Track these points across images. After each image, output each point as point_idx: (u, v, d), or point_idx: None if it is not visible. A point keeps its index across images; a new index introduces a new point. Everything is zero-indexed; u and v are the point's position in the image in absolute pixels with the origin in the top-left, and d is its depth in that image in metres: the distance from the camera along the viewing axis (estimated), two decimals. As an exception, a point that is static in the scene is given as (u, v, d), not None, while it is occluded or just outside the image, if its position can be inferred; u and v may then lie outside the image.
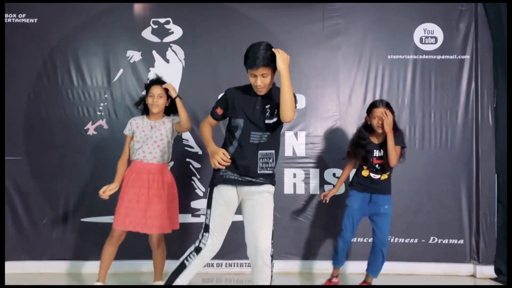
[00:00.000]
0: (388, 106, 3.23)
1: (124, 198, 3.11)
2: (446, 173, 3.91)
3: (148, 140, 3.17)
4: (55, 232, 3.85)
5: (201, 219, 3.83)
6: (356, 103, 3.94)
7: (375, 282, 3.43)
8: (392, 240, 3.88)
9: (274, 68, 2.53)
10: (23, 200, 3.84)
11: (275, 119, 2.59)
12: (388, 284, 3.59)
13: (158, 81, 3.26)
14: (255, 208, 2.56)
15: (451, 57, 3.96)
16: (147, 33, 3.92)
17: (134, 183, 3.12)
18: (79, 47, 3.89)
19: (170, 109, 3.27)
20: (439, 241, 3.89)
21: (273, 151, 2.62)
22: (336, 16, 3.96)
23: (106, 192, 3.15)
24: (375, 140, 3.30)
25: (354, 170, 3.46)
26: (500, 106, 3.84)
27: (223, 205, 2.59)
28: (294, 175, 3.94)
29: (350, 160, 3.42)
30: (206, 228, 2.59)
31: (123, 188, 3.17)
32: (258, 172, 2.57)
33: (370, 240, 3.62)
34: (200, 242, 2.60)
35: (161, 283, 3.22)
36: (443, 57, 3.96)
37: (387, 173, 3.29)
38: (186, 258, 2.61)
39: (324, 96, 3.95)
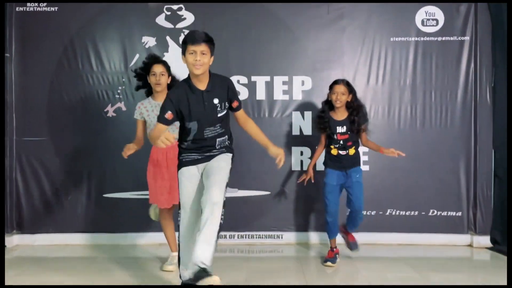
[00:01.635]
0: (348, 85, 3.47)
1: (158, 178, 3.34)
2: (446, 150, 4.11)
3: None
4: (79, 207, 4.16)
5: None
6: (360, 84, 4.12)
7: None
8: (393, 213, 4.13)
9: (212, 52, 2.61)
10: (49, 178, 4.15)
11: (225, 111, 2.72)
12: (391, 255, 3.84)
13: (157, 59, 3.39)
14: (211, 168, 2.68)
15: (452, 38, 4.12)
16: (161, 20, 4.13)
17: (160, 164, 3.35)
18: (97, 34, 4.13)
19: (172, 86, 3.37)
20: (438, 214, 4.13)
21: (226, 136, 2.78)
22: None
23: (125, 151, 3.35)
24: (337, 116, 3.50)
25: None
26: (498, 85, 4.00)
27: (188, 183, 2.72)
28: (301, 153, 4.17)
29: (320, 138, 3.62)
30: (179, 206, 2.79)
31: (152, 169, 3.39)
32: (217, 149, 2.74)
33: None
34: (178, 219, 2.78)
35: (176, 253, 3.40)
36: (444, 38, 4.11)
37: (353, 148, 3.51)
38: (178, 239, 2.79)
39: (330, 78, 4.06)
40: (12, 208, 4.12)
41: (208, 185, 2.58)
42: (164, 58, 4.00)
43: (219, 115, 2.70)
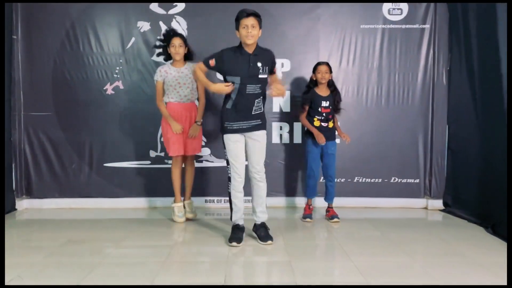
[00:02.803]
0: (329, 65, 4.05)
1: (169, 132, 3.91)
2: (407, 125, 4.65)
3: (180, 84, 3.92)
4: (82, 175, 4.64)
5: (203, 164, 4.64)
6: (333, 66, 4.48)
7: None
8: (360, 180, 4.69)
9: (260, 25, 3.23)
10: (55, 149, 4.60)
11: (265, 75, 3.34)
12: (357, 216, 4.41)
13: (177, 33, 3.97)
14: (254, 145, 3.38)
15: (414, 26, 4.61)
16: (154, 6, 4.54)
17: (177, 118, 3.92)
18: (96, 19, 4.53)
19: (189, 56, 4.03)
20: (399, 181, 4.70)
21: (261, 97, 3.38)
22: (317, -10, 4.58)
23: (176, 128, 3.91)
24: (322, 93, 4.06)
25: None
26: (453, 68, 4.53)
27: (233, 144, 3.36)
28: (281, 128, 4.68)
29: (304, 108, 4.13)
30: (227, 162, 3.41)
31: (165, 125, 3.95)
32: (253, 114, 3.33)
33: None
34: (228, 173, 3.42)
35: (190, 200, 4.18)
36: (407, 26, 4.60)
37: (332, 121, 4.08)
38: (228, 188, 3.45)
39: (306, 60, 4.59)
40: (21, 176, 4.59)
41: (253, 159, 3.36)
42: (157, 42, 4.48)
43: (260, 76, 3.28)
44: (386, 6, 4.60)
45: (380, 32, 4.62)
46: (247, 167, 3.43)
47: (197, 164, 4.55)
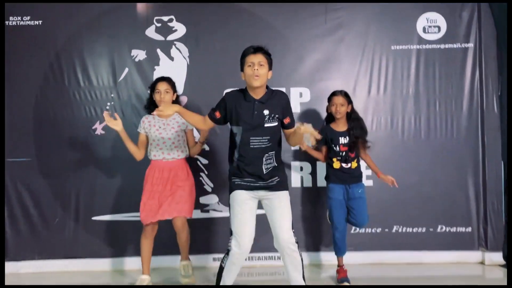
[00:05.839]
0: (346, 95, 3.42)
1: (146, 195, 3.32)
2: (452, 162, 3.93)
3: (164, 139, 3.32)
4: (67, 231, 3.92)
5: (210, 214, 3.94)
6: (360, 95, 3.95)
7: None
8: (399, 230, 3.92)
9: (270, 65, 2.69)
10: (35, 200, 3.92)
11: (275, 123, 2.69)
12: (398, 275, 3.64)
13: (163, 77, 3.41)
14: (273, 207, 2.72)
15: (455, 45, 3.96)
16: (151, 32, 3.95)
17: (157, 181, 3.31)
18: (84, 48, 3.93)
19: (176, 104, 3.36)
20: (447, 230, 3.92)
21: (273, 152, 2.73)
22: (339, 8, 3.96)
23: (109, 121, 3.26)
24: (339, 127, 3.45)
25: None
26: (505, 93, 3.84)
27: (238, 207, 2.70)
28: (301, 168, 3.97)
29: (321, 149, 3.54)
30: (230, 232, 2.73)
31: (145, 186, 3.36)
32: (265, 173, 2.69)
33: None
34: (228, 245, 2.72)
35: (187, 262, 3.44)
36: (446, 46, 3.96)
37: (355, 161, 3.42)
38: (222, 260, 2.76)
39: (328, 89, 3.88)
40: (-6, 234, 3.88)
41: (277, 224, 2.70)
42: (154, 72, 3.88)
43: (266, 125, 2.67)
44: (421, 23, 3.96)
45: (415, 54, 3.97)
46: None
47: (202, 215, 3.90)
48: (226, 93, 2.80)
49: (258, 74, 2.61)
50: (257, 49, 2.65)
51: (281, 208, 2.70)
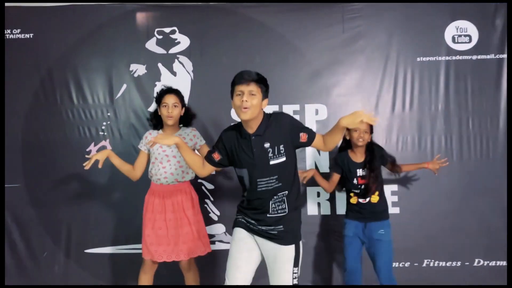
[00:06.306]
0: None
1: (148, 226, 2.94)
2: (488, 186, 3.51)
3: (169, 157, 2.95)
4: (57, 265, 3.58)
5: (216, 246, 3.55)
6: (383, 112, 3.57)
7: None
8: (431, 264, 3.50)
9: (265, 93, 2.32)
10: (22, 231, 3.59)
11: (283, 159, 2.29)
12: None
13: (171, 89, 3.04)
14: (269, 260, 2.36)
15: (488, 56, 3.57)
16: (151, 45, 3.62)
17: (160, 209, 2.94)
18: (78, 63, 3.62)
19: (185, 119, 3.07)
20: (485, 263, 3.49)
21: (285, 193, 2.33)
22: (357, 16, 3.60)
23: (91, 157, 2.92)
24: (357, 158, 3.04)
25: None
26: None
27: (235, 244, 2.41)
28: (318, 194, 3.57)
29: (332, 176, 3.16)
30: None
31: (146, 215, 2.99)
32: (269, 215, 2.33)
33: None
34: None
35: None
36: (479, 57, 3.57)
37: (377, 193, 2.99)
38: None
39: (348, 105, 3.57)
40: (-23, 269, 3.52)
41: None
42: (155, 88, 3.55)
43: (271, 162, 2.28)
44: (450, 32, 3.58)
45: (443, 66, 3.58)
46: None
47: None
48: (223, 132, 2.46)
49: (247, 106, 2.22)
50: (247, 78, 2.26)
51: (277, 270, 2.31)
